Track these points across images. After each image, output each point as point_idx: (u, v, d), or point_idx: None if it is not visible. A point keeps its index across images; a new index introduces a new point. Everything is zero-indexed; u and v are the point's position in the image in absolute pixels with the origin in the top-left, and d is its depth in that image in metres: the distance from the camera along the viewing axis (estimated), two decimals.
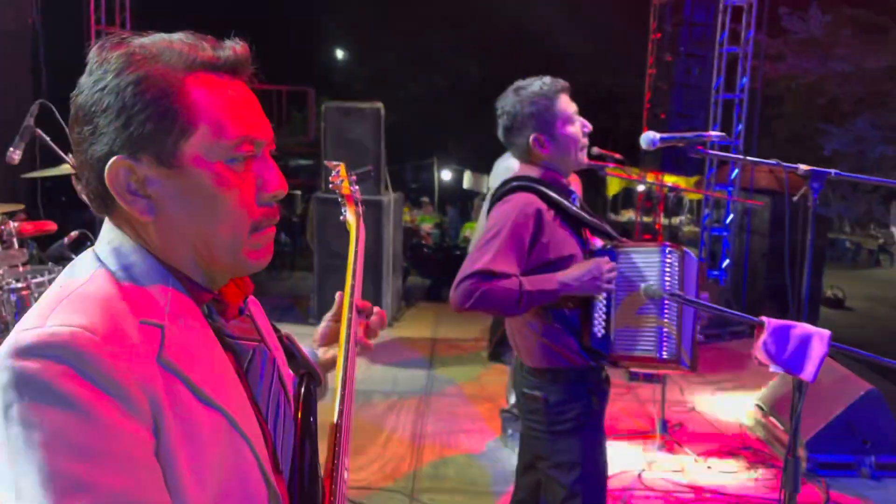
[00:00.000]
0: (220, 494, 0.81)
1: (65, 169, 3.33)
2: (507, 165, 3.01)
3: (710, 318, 6.83)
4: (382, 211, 6.97)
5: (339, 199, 1.37)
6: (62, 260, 3.64)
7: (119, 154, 0.82)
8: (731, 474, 3.95)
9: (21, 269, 3.52)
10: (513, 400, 4.06)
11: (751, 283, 8.16)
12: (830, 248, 17.83)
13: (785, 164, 2.16)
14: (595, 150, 4.09)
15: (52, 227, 3.86)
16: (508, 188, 2.23)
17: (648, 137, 2.37)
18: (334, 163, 1.40)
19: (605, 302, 2.16)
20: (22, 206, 4.01)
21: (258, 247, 0.90)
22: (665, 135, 2.32)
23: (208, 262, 0.88)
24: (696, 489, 3.77)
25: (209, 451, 0.81)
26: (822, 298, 9.00)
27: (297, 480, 0.95)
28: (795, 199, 2.16)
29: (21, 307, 3.35)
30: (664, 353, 2.08)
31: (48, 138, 3.14)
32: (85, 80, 0.83)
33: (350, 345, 1.13)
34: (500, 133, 2.30)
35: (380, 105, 7.09)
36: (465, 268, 2.11)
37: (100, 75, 0.82)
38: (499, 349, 5.63)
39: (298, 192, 16.33)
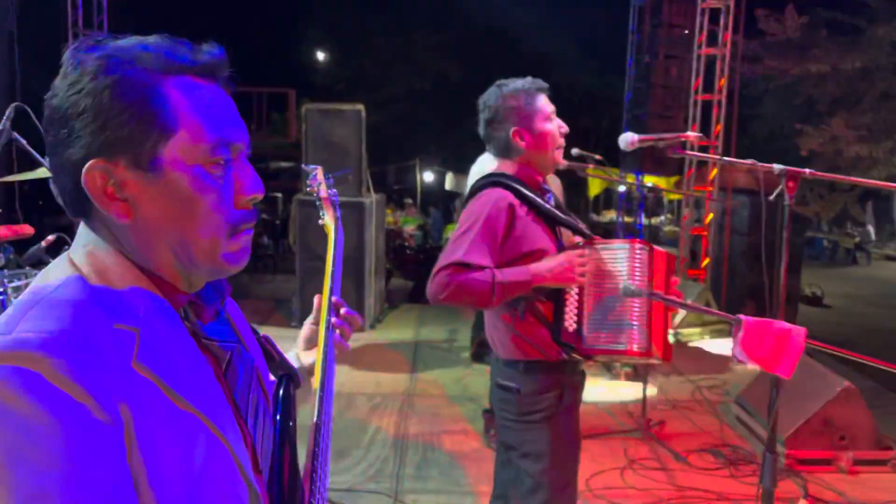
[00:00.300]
0: (198, 497, 0.81)
1: (42, 172, 3.29)
2: (482, 170, 3.04)
3: (689, 317, 6.81)
4: (364, 213, 6.96)
5: (317, 203, 1.38)
6: (39, 264, 3.59)
7: (96, 157, 0.81)
8: (711, 471, 3.99)
9: None
10: None
11: (731, 282, 8.24)
12: (809, 246, 18.05)
13: (760, 163, 2.20)
14: (575, 151, 4.12)
15: (29, 231, 3.81)
16: (482, 184, 2.28)
17: (626, 138, 2.41)
18: (311, 166, 1.40)
19: (576, 296, 2.20)
20: None
21: (236, 249, 0.90)
22: (643, 135, 2.36)
23: (186, 264, 0.88)
24: (677, 486, 3.80)
25: (186, 455, 0.80)
26: (800, 296, 9.10)
27: (277, 480, 0.95)
28: (771, 198, 2.20)
29: None
30: (635, 346, 2.12)
31: (24, 142, 3.10)
32: (60, 83, 0.82)
33: (329, 346, 1.14)
34: (480, 128, 2.34)
35: (361, 107, 7.08)
36: (441, 261, 2.17)
37: (75, 78, 0.81)
38: (481, 350, 5.65)
39: (279, 195, 16.24)
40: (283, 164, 18.70)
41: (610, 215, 21.88)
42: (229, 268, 0.91)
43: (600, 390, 5.34)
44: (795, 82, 15.50)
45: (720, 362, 6.13)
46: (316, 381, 1.09)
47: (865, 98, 15.45)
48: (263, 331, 1.09)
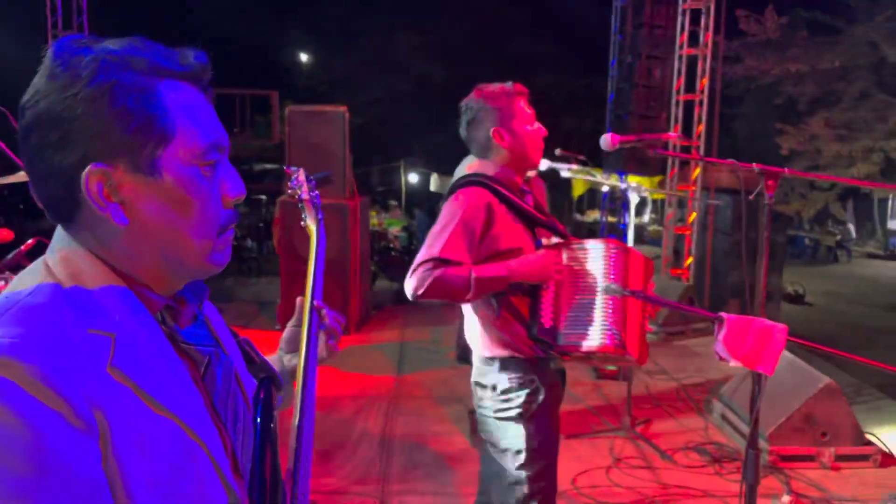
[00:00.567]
0: (176, 502, 0.81)
1: (22, 176, 3.26)
2: (465, 172, 3.05)
3: (672, 316, 6.85)
4: (348, 215, 6.94)
5: (299, 205, 1.37)
6: (18, 269, 3.56)
7: (95, 161, 0.81)
8: (696, 469, 4.02)
9: None
10: None
11: (714, 281, 8.30)
12: (791, 245, 18.23)
13: (741, 163, 2.22)
14: (558, 151, 4.14)
15: (8, 235, 3.77)
16: (461, 183, 2.32)
17: (608, 139, 2.43)
18: (293, 168, 1.40)
19: (553, 293, 2.23)
20: None
21: (222, 249, 0.92)
22: (624, 136, 2.37)
23: (176, 265, 0.89)
24: (663, 484, 3.82)
25: (163, 460, 0.80)
26: (783, 294, 9.19)
27: (257, 484, 0.95)
28: (752, 197, 2.22)
29: None
30: (609, 343, 2.14)
31: (2, 145, 3.06)
32: (47, 85, 0.81)
33: (311, 348, 1.14)
34: (461, 129, 2.38)
35: (344, 109, 7.06)
36: (419, 256, 2.21)
37: (67, 80, 0.80)
38: (467, 351, 5.64)
39: (263, 197, 16.18)
40: (267, 167, 18.64)
41: (594, 215, 22.01)
42: (216, 268, 0.92)
43: (585, 389, 5.36)
44: (776, 82, 15.65)
45: (704, 360, 6.17)
46: (298, 384, 1.09)
47: (844, 97, 15.64)
48: (247, 334, 1.09)
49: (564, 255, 2.25)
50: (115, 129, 0.81)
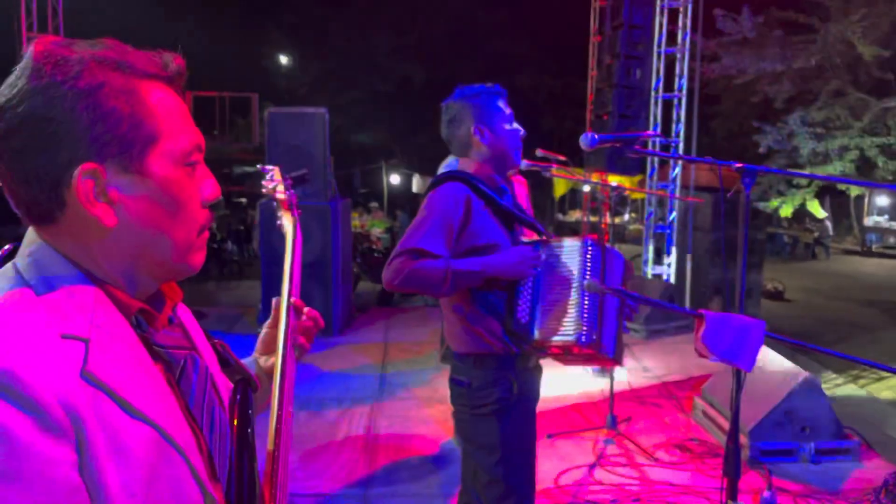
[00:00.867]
0: None
1: None
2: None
3: (654, 314, 6.87)
4: (329, 217, 6.91)
5: (274, 205, 1.37)
6: None
7: (85, 161, 0.81)
8: (678, 465, 4.05)
9: None
10: None
11: (695, 279, 8.37)
12: (770, 242, 18.40)
13: (719, 161, 2.24)
14: (539, 151, 4.15)
15: None
16: (441, 178, 2.34)
17: (587, 138, 2.44)
18: (268, 167, 1.39)
19: (529, 289, 2.24)
20: None
21: (200, 248, 0.94)
22: (603, 135, 2.38)
23: (155, 266, 0.89)
24: (646, 481, 3.85)
25: (140, 465, 0.79)
26: (763, 291, 9.28)
27: (235, 488, 0.94)
28: (730, 195, 2.24)
29: None
30: (583, 338, 2.15)
31: None
32: (30, 86, 0.80)
33: (287, 349, 1.13)
34: (443, 128, 2.39)
35: (324, 110, 7.04)
36: (396, 248, 2.22)
37: (54, 81, 0.79)
38: (450, 352, 5.64)
39: (244, 200, 16.08)
40: (248, 169, 18.53)
41: (576, 215, 22.10)
42: (194, 268, 0.93)
43: (568, 388, 5.39)
44: (753, 81, 15.80)
45: (686, 358, 6.22)
46: (275, 385, 1.09)
47: (820, 95, 15.83)
48: (229, 338, 1.08)
49: (542, 252, 2.27)
50: (105, 130, 0.81)
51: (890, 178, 16.12)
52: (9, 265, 0.85)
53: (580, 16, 9.68)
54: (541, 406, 2.46)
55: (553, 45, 20.77)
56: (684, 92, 8.37)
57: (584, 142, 2.44)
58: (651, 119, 8.47)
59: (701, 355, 1.87)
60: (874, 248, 21.12)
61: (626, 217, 22.20)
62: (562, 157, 4.25)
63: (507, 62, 20.94)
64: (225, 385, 1.01)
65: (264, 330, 1.27)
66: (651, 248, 8.71)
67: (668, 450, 4.26)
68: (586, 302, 2.16)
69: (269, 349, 1.24)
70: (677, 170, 8.58)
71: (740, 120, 18.42)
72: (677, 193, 8.43)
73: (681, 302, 8.15)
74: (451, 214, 2.21)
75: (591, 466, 4.01)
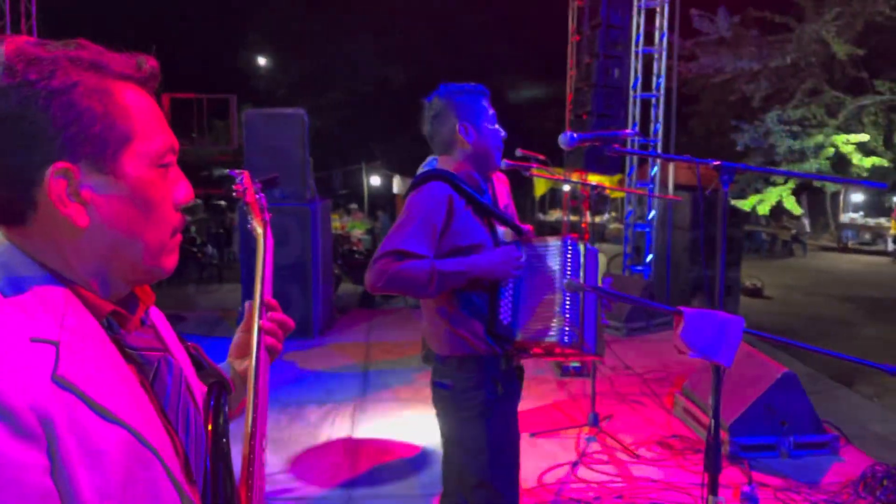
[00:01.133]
0: None
1: None
2: None
3: (634, 312, 6.90)
4: (309, 218, 6.88)
5: (245, 208, 1.36)
6: None
7: (58, 161, 0.80)
8: (660, 462, 4.07)
9: None
10: None
11: (675, 276, 8.43)
12: (749, 240, 18.59)
13: (697, 159, 2.25)
14: (519, 151, 4.16)
15: None
16: (423, 177, 2.32)
17: (566, 137, 2.44)
18: (237, 171, 1.38)
19: (511, 290, 2.25)
20: None
21: (173, 251, 0.93)
22: (582, 134, 2.39)
23: (128, 267, 0.88)
24: (628, 478, 3.87)
25: (114, 468, 0.78)
26: (742, 288, 9.36)
27: (210, 490, 0.94)
28: (708, 192, 2.26)
29: None
30: (566, 338, 2.16)
31: None
32: (2, 84, 0.78)
33: (261, 352, 1.13)
34: (425, 126, 2.36)
35: (303, 111, 6.99)
36: (379, 249, 2.20)
37: (28, 80, 0.78)
38: (432, 352, 5.64)
39: (223, 203, 15.95)
40: (226, 171, 18.43)
41: (556, 214, 22.18)
42: (167, 270, 0.93)
43: (550, 387, 5.40)
44: (730, 80, 15.96)
45: (666, 355, 6.26)
46: (249, 388, 1.08)
47: (796, 94, 16.02)
48: (210, 341, 1.07)
49: (524, 252, 2.27)
50: (78, 130, 0.80)
51: (865, 174, 16.36)
52: None
53: (559, 16, 9.72)
54: (522, 405, 2.46)
55: (532, 46, 20.85)
56: (662, 91, 8.44)
57: (562, 141, 2.45)
58: (630, 118, 8.52)
59: (680, 352, 1.88)
60: (850, 244, 21.43)
61: (607, 216, 22.33)
62: (542, 157, 4.26)
63: (486, 62, 20.99)
64: (199, 388, 1.00)
65: (238, 334, 1.26)
66: (631, 247, 8.77)
67: (649, 446, 4.28)
68: (568, 302, 2.17)
69: (243, 352, 1.22)
70: (656, 169, 8.64)
71: (718, 119, 18.60)
72: (656, 192, 8.49)
73: (661, 300, 8.20)
74: (434, 215, 2.19)
75: (574, 464, 4.02)
